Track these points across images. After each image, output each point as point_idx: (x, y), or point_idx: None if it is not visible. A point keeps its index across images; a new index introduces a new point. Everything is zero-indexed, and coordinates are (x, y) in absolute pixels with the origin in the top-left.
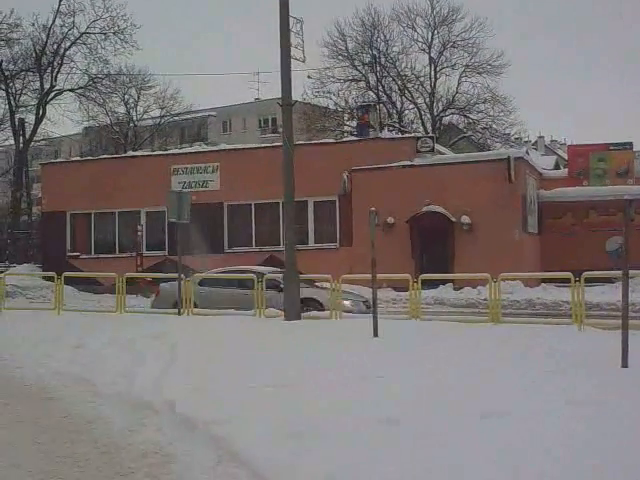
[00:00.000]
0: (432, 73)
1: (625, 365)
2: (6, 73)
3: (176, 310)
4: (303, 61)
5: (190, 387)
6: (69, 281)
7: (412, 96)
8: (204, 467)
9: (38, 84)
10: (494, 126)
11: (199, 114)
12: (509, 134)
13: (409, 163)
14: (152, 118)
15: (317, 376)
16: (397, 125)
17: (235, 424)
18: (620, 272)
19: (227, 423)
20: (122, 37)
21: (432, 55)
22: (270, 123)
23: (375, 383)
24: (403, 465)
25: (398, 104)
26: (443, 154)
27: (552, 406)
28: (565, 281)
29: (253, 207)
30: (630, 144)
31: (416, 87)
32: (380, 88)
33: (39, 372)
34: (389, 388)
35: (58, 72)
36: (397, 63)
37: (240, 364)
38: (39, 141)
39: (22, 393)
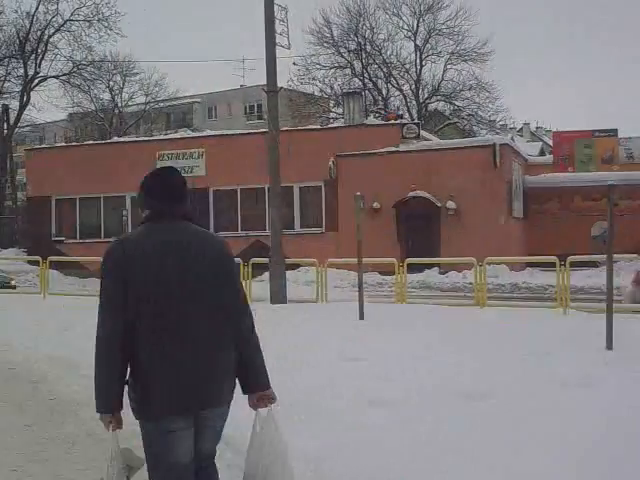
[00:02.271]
0: (418, 60)
1: (610, 347)
2: None
3: None
4: (288, 48)
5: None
6: (54, 265)
7: (398, 83)
8: None
9: (22, 71)
10: (480, 113)
11: (184, 100)
12: (494, 121)
13: (395, 149)
14: (137, 105)
15: (302, 358)
16: (383, 112)
17: None
18: (604, 256)
19: None
20: (106, 24)
21: (417, 43)
22: (256, 109)
23: (360, 365)
24: (388, 447)
25: (384, 91)
26: (429, 140)
27: (536, 388)
28: (550, 265)
29: (239, 192)
30: (615, 131)
31: (402, 74)
32: (366, 75)
33: (26, 355)
34: (374, 370)
35: (42, 59)
36: (383, 50)
37: None
38: (24, 127)
39: (9, 376)
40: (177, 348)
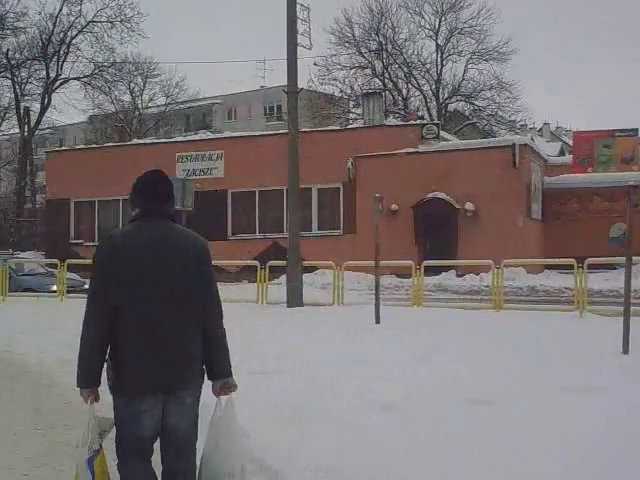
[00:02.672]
0: (438, 60)
1: (626, 352)
2: (12, 62)
3: None
4: (310, 48)
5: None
6: (72, 268)
7: (418, 83)
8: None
9: (44, 73)
10: (500, 113)
11: (204, 102)
12: (514, 121)
13: (414, 150)
14: (157, 106)
15: (318, 362)
16: (402, 112)
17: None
18: (623, 259)
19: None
20: (129, 25)
21: (439, 42)
22: (275, 110)
23: (376, 370)
24: (402, 452)
25: (404, 91)
26: (448, 141)
27: (550, 392)
28: (568, 267)
29: (257, 194)
30: (635, 130)
31: (422, 74)
32: (386, 75)
33: (40, 359)
34: (390, 375)
35: (64, 61)
36: (404, 50)
37: (240, 350)
38: (44, 129)
39: (24, 380)
40: (151, 336)
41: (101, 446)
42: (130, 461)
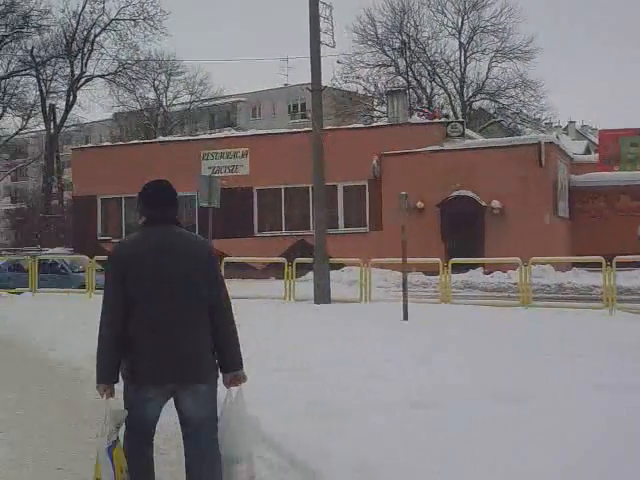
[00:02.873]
0: (462, 58)
1: None
2: (37, 59)
3: None
4: (333, 46)
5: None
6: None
7: (442, 81)
8: None
9: (68, 70)
10: (524, 111)
11: (228, 99)
12: (539, 119)
13: (439, 148)
14: (182, 104)
15: (346, 359)
16: (427, 110)
17: (264, 406)
18: None
19: (256, 404)
20: (152, 23)
21: (462, 40)
22: (299, 108)
23: (404, 367)
24: (433, 451)
25: (428, 89)
26: (473, 139)
27: (581, 390)
28: (596, 265)
29: (283, 192)
30: None
31: (446, 72)
32: (410, 73)
33: (71, 354)
34: (419, 372)
35: (88, 58)
36: (427, 48)
37: (270, 347)
38: (70, 127)
39: (54, 375)
40: (158, 333)
41: (118, 438)
42: (133, 441)
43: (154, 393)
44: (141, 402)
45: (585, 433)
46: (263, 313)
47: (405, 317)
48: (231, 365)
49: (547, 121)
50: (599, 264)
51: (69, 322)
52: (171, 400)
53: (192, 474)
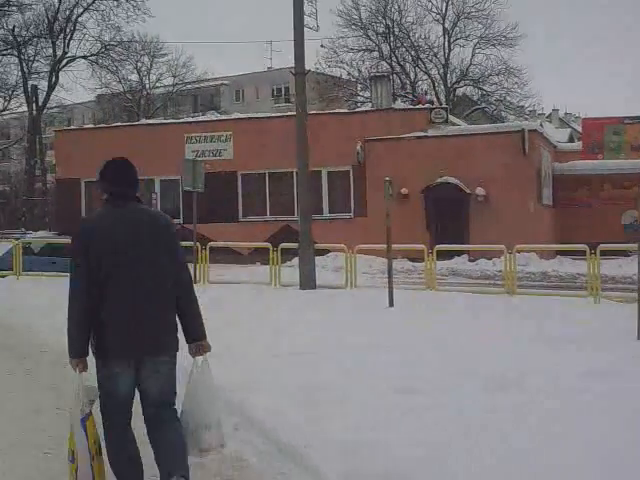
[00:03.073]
0: (446, 44)
1: None
2: (19, 39)
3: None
4: (316, 30)
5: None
6: None
7: (426, 67)
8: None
9: (51, 51)
10: (508, 98)
11: (212, 83)
12: (523, 106)
13: (423, 134)
14: (165, 86)
15: (332, 344)
16: (410, 96)
17: (252, 391)
18: (636, 245)
19: (243, 390)
20: (134, 3)
21: (446, 26)
22: (283, 92)
23: (390, 353)
24: (419, 434)
25: (411, 75)
26: (457, 125)
27: (565, 377)
28: (581, 253)
29: (267, 176)
30: None
31: (430, 58)
32: (393, 58)
33: (57, 338)
34: (404, 357)
35: (70, 39)
36: (411, 33)
37: (255, 331)
38: (52, 108)
39: (41, 359)
40: (125, 305)
41: (91, 411)
42: (112, 421)
43: (121, 367)
44: (111, 377)
45: (570, 419)
46: (249, 298)
47: (391, 303)
48: (195, 335)
49: (531, 109)
50: (583, 252)
51: (55, 306)
52: None
53: (157, 445)
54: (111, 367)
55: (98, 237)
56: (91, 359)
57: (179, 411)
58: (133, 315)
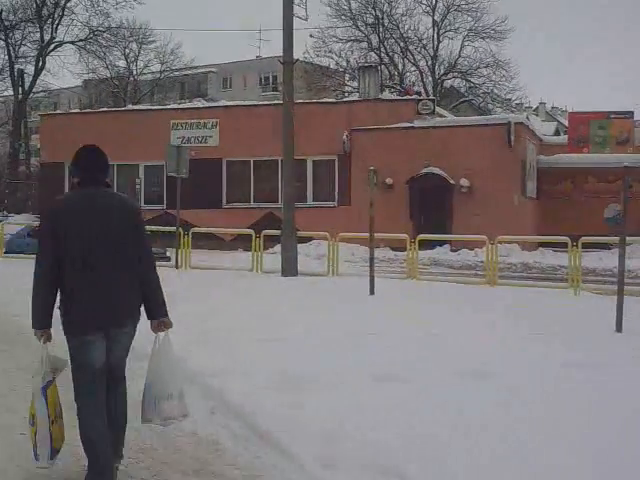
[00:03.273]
0: (435, 36)
1: (619, 330)
2: (6, 23)
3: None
4: (306, 19)
5: (186, 340)
6: None
7: (414, 58)
8: (199, 418)
9: (38, 35)
10: (495, 91)
11: (199, 70)
12: (510, 99)
13: (409, 125)
14: (152, 73)
15: (313, 331)
16: (398, 87)
17: (230, 375)
18: (617, 238)
19: (223, 375)
20: None
21: (436, 18)
22: (271, 81)
23: (371, 341)
24: (397, 420)
25: (400, 66)
26: (444, 117)
27: (544, 368)
28: (562, 246)
29: (252, 164)
30: (631, 113)
31: (418, 49)
32: (382, 49)
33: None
34: (384, 344)
35: (59, 24)
36: (400, 25)
37: (237, 318)
38: (38, 92)
39: (19, 341)
40: (93, 282)
41: (54, 378)
42: (89, 394)
43: (92, 339)
44: (83, 349)
45: (552, 408)
46: (230, 284)
47: (372, 291)
48: (157, 312)
49: (518, 102)
50: (565, 244)
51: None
52: None
53: (108, 407)
54: (82, 340)
55: (66, 219)
56: (59, 334)
57: (143, 383)
58: (100, 291)
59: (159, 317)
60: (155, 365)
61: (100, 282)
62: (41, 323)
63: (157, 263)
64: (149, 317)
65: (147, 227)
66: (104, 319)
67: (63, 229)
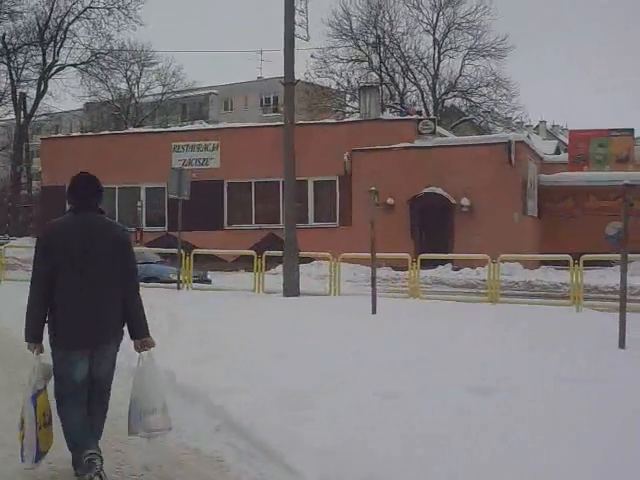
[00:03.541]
0: (436, 55)
1: (622, 346)
2: (8, 47)
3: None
4: (307, 40)
5: (190, 358)
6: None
7: (415, 78)
8: (204, 435)
9: (40, 58)
10: (496, 110)
11: (201, 92)
12: (511, 118)
13: (410, 145)
14: (154, 95)
15: (316, 350)
16: (399, 106)
17: (234, 393)
18: (619, 256)
19: (226, 393)
20: (126, 12)
21: (436, 37)
22: (272, 102)
23: (373, 358)
24: (399, 439)
25: (400, 85)
26: (444, 136)
27: (547, 383)
28: (564, 264)
29: (253, 185)
30: (631, 130)
31: (419, 69)
32: (383, 69)
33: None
34: (386, 362)
35: (61, 47)
36: (401, 44)
37: (240, 337)
38: (40, 116)
39: (23, 360)
40: (79, 302)
41: (45, 387)
42: (66, 402)
43: (77, 355)
44: (67, 364)
45: (551, 423)
46: (232, 305)
47: (374, 310)
48: (140, 332)
49: (518, 120)
50: (567, 262)
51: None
52: None
53: (90, 413)
54: (67, 355)
55: (58, 241)
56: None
57: (128, 400)
58: (83, 311)
59: (142, 337)
60: (139, 382)
61: (87, 301)
62: (33, 337)
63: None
64: (132, 337)
65: (149, 249)
66: (88, 337)
67: (55, 251)
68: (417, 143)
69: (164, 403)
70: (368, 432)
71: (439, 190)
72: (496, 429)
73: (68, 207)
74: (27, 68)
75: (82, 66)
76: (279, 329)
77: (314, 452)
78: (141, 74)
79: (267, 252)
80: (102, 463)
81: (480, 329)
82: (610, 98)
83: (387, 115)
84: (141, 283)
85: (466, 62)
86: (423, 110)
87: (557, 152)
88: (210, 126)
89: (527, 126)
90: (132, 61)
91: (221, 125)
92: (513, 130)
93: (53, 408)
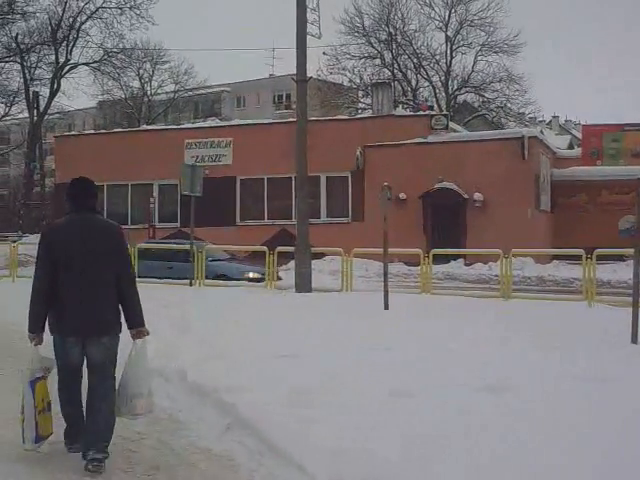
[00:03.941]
0: (448, 51)
1: (635, 341)
2: (22, 46)
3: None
4: (319, 37)
5: (202, 356)
6: None
7: (427, 74)
8: (214, 434)
9: (53, 57)
10: (509, 105)
11: (213, 89)
12: (524, 113)
13: (423, 140)
14: (166, 93)
15: (328, 347)
16: (411, 103)
17: (245, 392)
18: (632, 250)
19: (238, 391)
20: (138, 12)
21: (449, 33)
22: (284, 99)
23: (385, 354)
24: (411, 437)
25: (413, 82)
26: (457, 132)
27: (557, 380)
28: (577, 258)
29: (266, 181)
30: None
31: (432, 65)
32: (395, 66)
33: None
34: (398, 359)
35: (73, 46)
36: (413, 41)
37: (252, 334)
38: (53, 114)
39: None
40: (77, 293)
41: (44, 376)
42: (65, 384)
43: (73, 342)
44: (64, 349)
45: (563, 421)
46: (244, 301)
47: (386, 306)
48: (134, 322)
49: (531, 115)
50: (579, 257)
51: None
52: None
53: (90, 402)
54: (64, 341)
55: (58, 239)
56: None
57: (117, 383)
58: (82, 302)
59: (137, 326)
60: (129, 368)
61: (83, 293)
62: (34, 328)
63: (209, 281)
64: (129, 326)
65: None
66: (83, 327)
67: (56, 247)
68: (430, 139)
69: (149, 388)
70: (379, 431)
71: (452, 185)
72: (496, 429)
73: (67, 208)
74: (40, 67)
75: (94, 65)
76: (291, 327)
77: (325, 452)
78: (153, 72)
79: (279, 248)
80: (105, 462)
81: (491, 326)
82: (610, 98)
83: (400, 111)
84: (209, 280)
85: (479, 58)
86: (436, 106)
87: (570, 147)
88: (223, 123)
89: (540, 121)
90: (144, 59)
91: (233, 122)
92: (526, 125)
93: (55, 398)
